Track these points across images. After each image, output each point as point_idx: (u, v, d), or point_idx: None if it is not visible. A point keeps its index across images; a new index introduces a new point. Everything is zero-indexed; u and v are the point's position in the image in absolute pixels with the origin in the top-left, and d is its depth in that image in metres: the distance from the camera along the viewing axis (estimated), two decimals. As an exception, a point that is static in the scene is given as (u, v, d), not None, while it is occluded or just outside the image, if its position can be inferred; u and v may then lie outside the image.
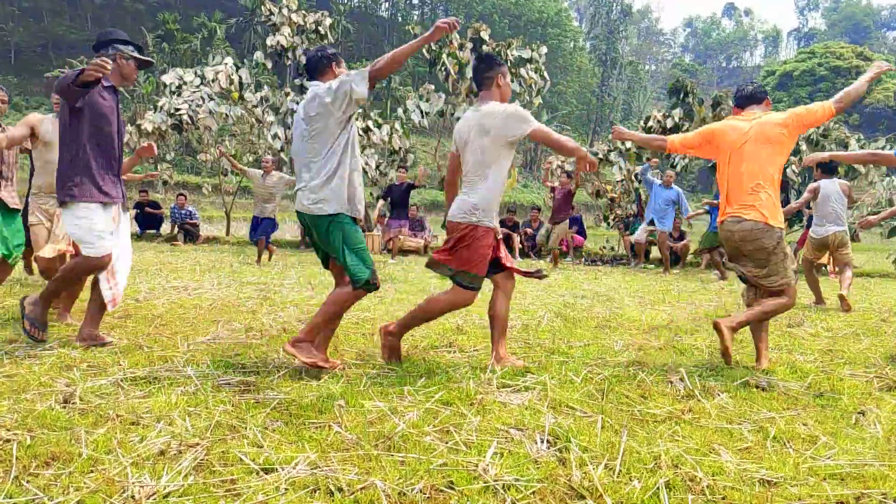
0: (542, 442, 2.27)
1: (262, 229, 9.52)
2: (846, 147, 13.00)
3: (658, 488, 1.90)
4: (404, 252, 12.13)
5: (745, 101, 3.73)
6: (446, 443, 2.22)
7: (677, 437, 2.38)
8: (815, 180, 6.66)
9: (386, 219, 12.29)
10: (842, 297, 6.13)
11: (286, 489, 1.84)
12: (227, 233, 14.86)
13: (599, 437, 2.33)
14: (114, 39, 3.56)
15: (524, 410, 2.61)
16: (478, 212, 3.27)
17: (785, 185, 12.38)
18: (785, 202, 10.37)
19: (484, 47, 14.50)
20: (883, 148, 13.25)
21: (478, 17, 54.78)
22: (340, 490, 1.83)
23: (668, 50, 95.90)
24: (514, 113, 3.25)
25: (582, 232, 13.59)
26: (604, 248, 14.36)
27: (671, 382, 3.17)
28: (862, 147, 13.29)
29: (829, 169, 6.56)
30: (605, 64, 64.91)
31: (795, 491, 1.95)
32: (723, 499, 1.89)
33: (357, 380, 3.02)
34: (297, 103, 14.11)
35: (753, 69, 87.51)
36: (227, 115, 13.53)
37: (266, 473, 1.95)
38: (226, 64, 13.50)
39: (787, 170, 12.93)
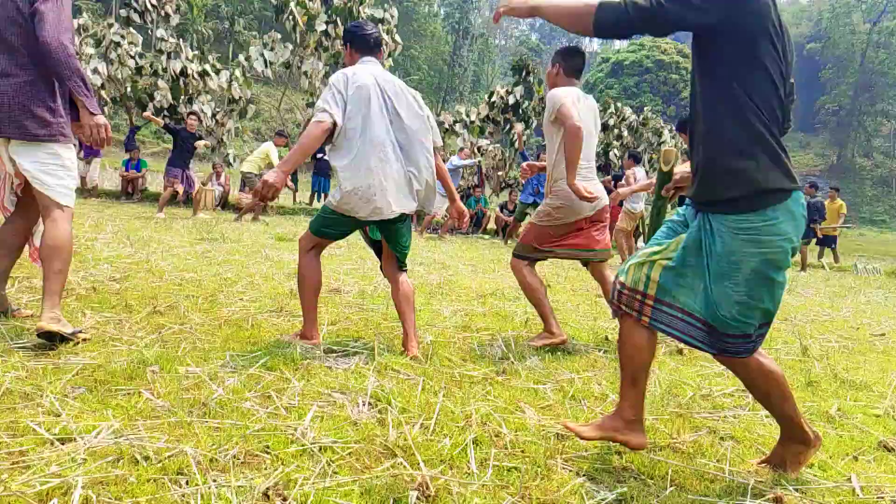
0: (364, 404, 2.33)
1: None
2: (660, 135, 14.52)
3: (466, 444, 2.06)
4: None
5: None
6: (266, 408, 2.21)
7: (489, 397, 2.58)
8: (629, 168, 8.60)
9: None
10: None
11: (84, 459, 1.73)
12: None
13: (419, 399, 2.45)
14: None
15: (349, 374, 2.66)
16: None
17: (607, 168, 13.55)
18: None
19: (335, 1, 14.03)
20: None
21: (332, -32, 52.53)
22: (147, 458, 1.76)
23: (517, 27, 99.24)
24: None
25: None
26: (445, 217, 14.75)
27: (490, 346, 3.40)
28: (673, 137, 14.93)
29: (637, 159, 8.74)
30: (457, 33, 65.70)
31: (583, 443, 2.21)
32: (521, 451, 2.09)
33: (175, 344, 2.88)
34: (122, 36, 12.70)
35: (591, 55, 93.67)
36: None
37: (62, 444, 1.81)
38: (34, -19, 11.70)
39: (610, 153, 14.18)
